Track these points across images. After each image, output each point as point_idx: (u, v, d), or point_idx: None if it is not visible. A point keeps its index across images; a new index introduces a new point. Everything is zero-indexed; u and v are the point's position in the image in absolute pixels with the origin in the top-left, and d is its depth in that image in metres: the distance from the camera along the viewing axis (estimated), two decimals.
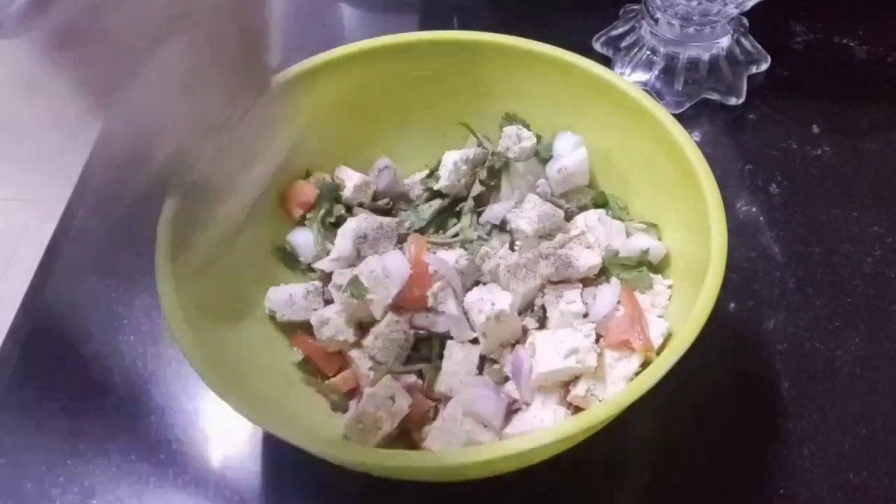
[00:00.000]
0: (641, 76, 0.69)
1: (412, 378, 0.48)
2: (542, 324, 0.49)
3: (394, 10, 0.78)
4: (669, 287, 0.49)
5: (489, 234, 0.54)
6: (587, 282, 0.50)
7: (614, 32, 0.72)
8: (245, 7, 0.37)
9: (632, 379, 0.44)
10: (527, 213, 0.52)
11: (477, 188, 0.56)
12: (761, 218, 0.61)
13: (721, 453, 0.50)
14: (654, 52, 0.69)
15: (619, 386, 0.44)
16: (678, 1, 0.64)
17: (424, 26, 0.74)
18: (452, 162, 0.55)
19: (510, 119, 0.56)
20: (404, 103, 0.57)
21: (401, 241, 0.53)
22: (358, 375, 0.49)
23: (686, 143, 0.48)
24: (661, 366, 0.40)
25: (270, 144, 0.43)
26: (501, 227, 0.54)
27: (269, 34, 0.38)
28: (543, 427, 0.44)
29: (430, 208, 0.56)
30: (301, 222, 0.55)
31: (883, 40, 0.72)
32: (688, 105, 0.67)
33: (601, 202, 0.55)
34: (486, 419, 0.45)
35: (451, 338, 0.49)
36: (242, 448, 0.51)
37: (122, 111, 0.34)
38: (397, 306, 0.48)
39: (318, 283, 0.52)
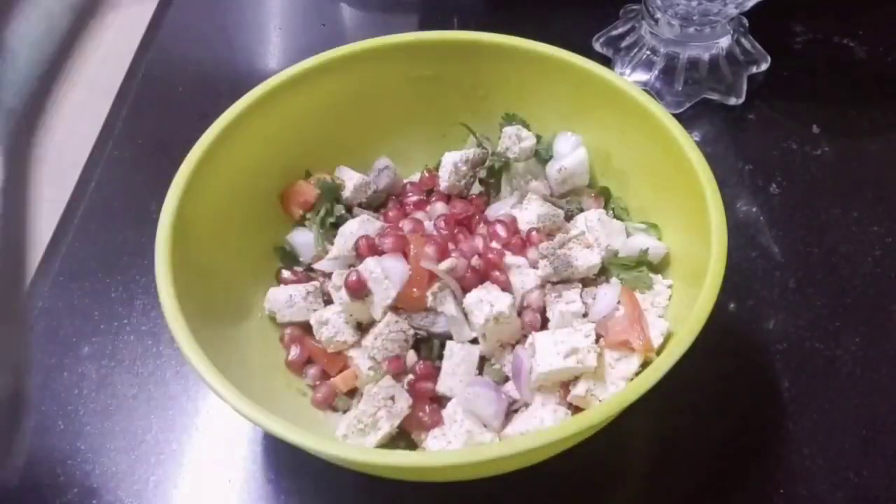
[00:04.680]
0: (641, 76, 0.69)
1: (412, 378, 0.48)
2: (542, 324, 0.49)
3: (394, 10, 0.78)
4: (669, 287, 0.49)
5: None
6: (587, 282, 0.50)
7: (614, 32, 0.72)
8: None
9: (632, 379, 0.44)
10: (527, 214, 0.52)
11: (477, 188, 0.56)
12: (761, 218, 0.61)
13: (721, 453, 0.50)
14: (654, 52, 0.69)
15: (619, 386, 0.44)
16: (678, 1, 0.64)
17: (424, 26, 0.74)
18: (452, 162, 0.55)
19: (510, 119, 0.56)
20: (404, 103, 0.57)
21: None
22: (358, 375, 0.49)
23: (686, 143, 0.48)
24: (661, 366, 0.40)
25: None
26: None
27: None
28: (543, 427, 0.44)
29: None
30: (301, 222, 0.55)
31: (883, 40, 0.72)
32: (688, 105, 0.67)
33: (605, 197, 0.55)
34: (486, 419, 0.45)
35: (451, 338, 0.49)
36: (242, 448, 0.51)
37: None
38: (397, 307, 0.48)
39: (317, 284, 0.52)
